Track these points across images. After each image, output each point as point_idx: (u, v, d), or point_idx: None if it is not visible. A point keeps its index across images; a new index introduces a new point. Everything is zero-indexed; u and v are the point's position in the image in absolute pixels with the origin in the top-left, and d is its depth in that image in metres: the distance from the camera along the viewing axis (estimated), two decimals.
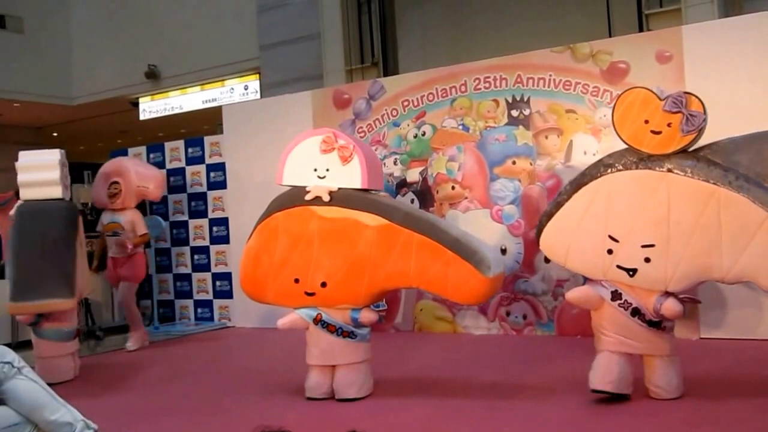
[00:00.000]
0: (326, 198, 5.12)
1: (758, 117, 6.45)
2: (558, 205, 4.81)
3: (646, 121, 4.52)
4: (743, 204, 4.28)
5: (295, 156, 5.33)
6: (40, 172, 6.64)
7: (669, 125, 4.45)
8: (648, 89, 4.63)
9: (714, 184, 4.36)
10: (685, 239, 4.42)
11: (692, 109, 4.43)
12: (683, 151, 4.49)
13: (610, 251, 4.61)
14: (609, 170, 4.66)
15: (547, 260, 6.86)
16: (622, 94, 4.75)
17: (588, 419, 4.53)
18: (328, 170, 5.23)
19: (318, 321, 5.17)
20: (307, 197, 5.15)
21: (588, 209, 4.69)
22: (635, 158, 4.59)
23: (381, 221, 5.08)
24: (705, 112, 4.43)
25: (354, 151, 5.22)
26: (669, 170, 4.47)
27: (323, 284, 5.12)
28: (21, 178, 6.58)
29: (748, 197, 4.27)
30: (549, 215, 4.85)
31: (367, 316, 5.19)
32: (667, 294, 4.54)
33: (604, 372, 4.71)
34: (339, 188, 5.17)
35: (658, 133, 4.49)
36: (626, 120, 4.62)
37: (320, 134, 5.38)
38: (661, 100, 4.51)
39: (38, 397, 2.92)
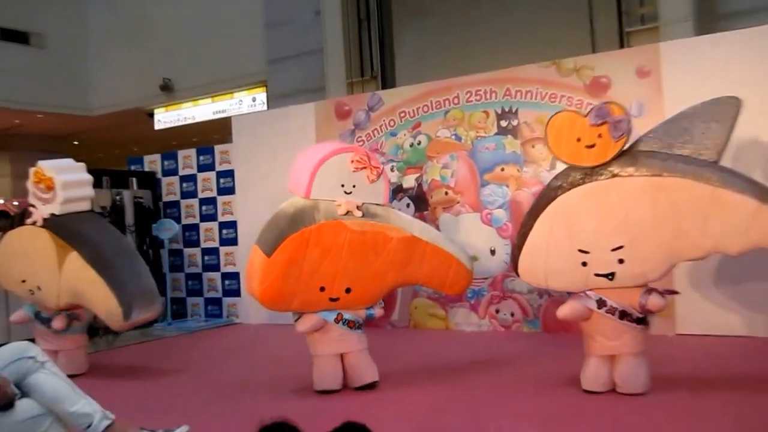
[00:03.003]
0: (358, 214, 5.18)
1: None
2: (523, 237, 4.83)
3: (579, 139, 4.58)
4: (689, 185, 4.31)
5: (324, 173, 5.25)
6: (80, 189, 6.49)
7: (600, 136, 4.50)
8: (571, 110, 4.76)
9: (658, 175, 4.40)
10: (649, 232, 4.45)
11: (616, 116, 4.46)
12: (621, 154, 4.53)
13: (584, 263, 4.62)
14: (560, 192, 4.69)
15: None
16: (548, 122, 4.79)
17: (575, 410, 4.52)
18: (354, 186, 5.30)
19: (339, 320, 5.24)
20: (339, 211, 5.15)
21: (551, 233, 4.71)
22: (580, 174, 4.63)
23: (404, 234, 5.28)
24: (628, 114, 4.48)
25: (383, 171, 5.44)
26: (614, 175, 4.52)
27: (348, 290, 5.21)
28: (66, 195, 6.27)
29: (691, 178, 4.30)
30: (519, 247, 4.88)
31: (380, 312, 5.48)
32: (650, 290, 4.57)
33: (595, 375, 4.77)
34: (363, 203, 5.26)
35: (592, 146, 4.53)
36: (561, 143, 4.69)
37: (347, 151, 5.42)
38: (584, 116, 4.57)
39: (59, 390, 2.90)
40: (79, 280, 6.02)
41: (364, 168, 5.33)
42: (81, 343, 6.65)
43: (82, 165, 6.66)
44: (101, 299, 5.90)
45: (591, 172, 4.59)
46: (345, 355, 5.33)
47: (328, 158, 5.30)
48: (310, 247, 5.08)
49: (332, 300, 5.18)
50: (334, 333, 5.26)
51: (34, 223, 6.28)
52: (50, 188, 6.25)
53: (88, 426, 2.90)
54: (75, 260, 6.05)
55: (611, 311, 4.61)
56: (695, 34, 7.48)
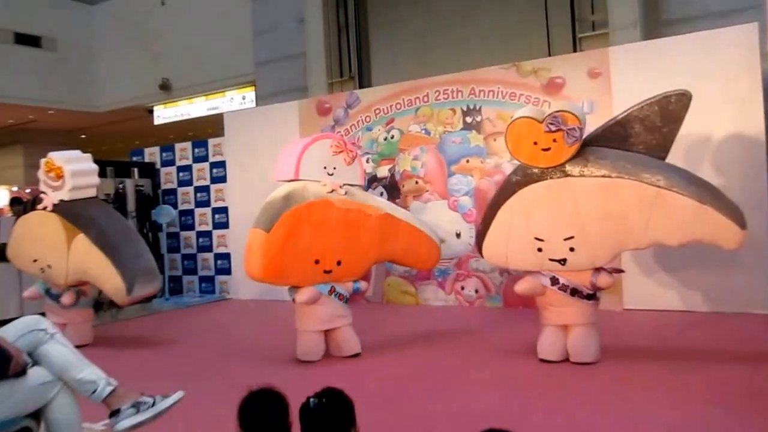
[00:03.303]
0: (341, 192, 5.26)
1: None
2: (487, 224, 4.85)
3: (535, 143, 4.53)
4: (635, 186, 4.26)
5: (308, 156, 5.27)
6: (87, 177, 6.40)
7: (554, 141, 4.45)
8: (528, 117, 4.62)
9: (608, 176, 4.35)
10: (597, 226, 4.42)
11: (569, 124, 4.41)
12: (574, 156, 4.49)
13: (539, 249, 4.61)
14: (518, 187, 4.68)
15: None
16: (508, 127, 4.73)
17: (532, 376, 4.49)
18: (335, 168, 5.35)
19: (332, 292, 5.22)
20: (326, 190, 5.20)
21: (511, 222, 4.71)
22: (538, 171, 4.60)
23: (379, 212, 5.41)
24: (581, 123, 4.42)
25: (357, 155, 5.55)
26: (567, 175, 4.49)
27: (338, 263, 5.22)
28: (74, 182, 6.17)
29: (638, 180, 4.24)
30: (483, 233, 4.87)
31: (365, 285, 5.65)
32: (599, 269, 4.55)
33: (550, 345, 4.74)
34: (344, 183, 5.34)
35: (548, 149, 4.49)
36: (520, 146, 4.64)
37: (327, 138, 5.53)
38: (540, 122, 4.50)
39: (67, 359, 2.85)
40: (86, 260, 5.94)
41: (342, 151, 5.43)
42: (87, 317, 6.61)
43: (88, 156, 6.58)
44: (107, 277, 5.84)
45: (546, 171, 4.54)
46: (334, 330, 5.32)
47: (311, 144, 5.36)
48: (303, 222, 5.06)
49: (326, 272, 5.19)
50: (323, 309, 5.22)
51: (44, 209, 6.20)
52: (60, 177, 6.18)
53: (93, 391, 2.84)
54: (82, 241, 5.96)
55: (563, 288, 4.59)
56: (641, 39, 7.42)
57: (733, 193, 6.10)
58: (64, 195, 6.16)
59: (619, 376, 4.32)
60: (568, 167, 4.46)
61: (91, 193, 6.42)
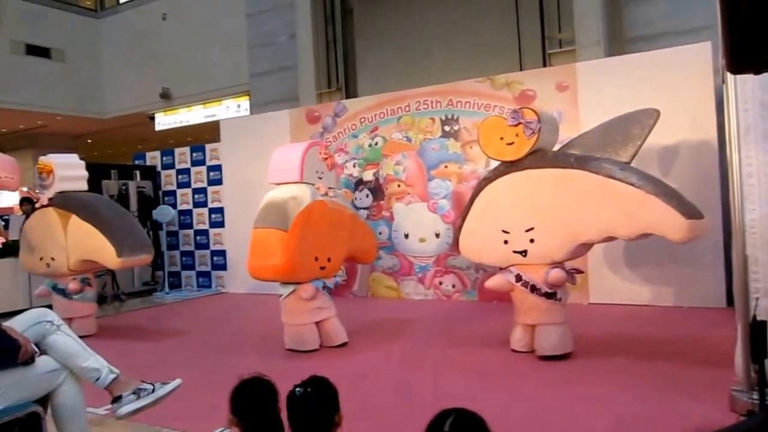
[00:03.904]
0: (332, 194, 5.40)
1: None
2: (463, 220, 4.86)
3: (501, 138, 4.58)
4: (584, 177, 4.24)
5: (308, 159, 5.31)
6: (74, 170, 6.49)
7: (517, 135, 4.50)
8: (497, 116, 4.79)
9: (560, 167, 4.36)
10: (552, 216, 4.41)
11: (527, 118, 4.47)
12: (538, 152, 4.53)
13: (505, 242, 4.60)
14: (487, 182, 4.73)
15: None
16: (480, 125, 4.79)
17: (503, 365, 4.49)
18: (323, 173, 5.43)
19: (324, 287, 5.26)
20: (320, 192, 5.25)
21: (483, 216, 4.73)
22: (504, 167, 4.65)
23: (351, 212, 5.66)
24: (539, 118, 4.46)
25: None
26: (527, 167, 4.51)
27: (329, 259, 5.25)
28: (62, 173, 6.31)
29: (586, 168, 4.23)
30: (459, 228, 4.89)
31: (342, 279, 5.93)
32: (554, 266, 4.49)
33: (520, 338, 4.77)
34: (329, 186, 5.45)
35: (512, 143, 4.53)
36: (489, 142, 4.68)
37: (315, 144, 5.53)
38: (505, 119, 4.59)
39: (72, 349, 2.83)
40: (80, 236, 6.01)
41: (327, 158, 5.51)
42: (91, 311, 6.59)
43: (74, 154, 6.77)
44: (99, 244, 5.87)
45: (511, 165, 4.58)
46: (323, 321, 5.32)
47: (309, 149, 5.37)
48: (309, 222, 5.07)
49: (322, 269, 5.20)
50: (314, 302, 5.21)
51: (41, 206, 6.31)
52: (50, 172, 6.27)
53: (97, 379, 2.83)
54: (75, 222, 6.07)
55: (525, 285, 4.56)
56: (605, 56, 7.44)
57: (689, 195, 6.18)
58: (56, 188, 6.25)
59: (580, 367, 4.33)
60: (527, 160, 4.49)
61: (81, 185, 6.48)
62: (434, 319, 6.44)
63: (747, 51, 2.43)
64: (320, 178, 5.35)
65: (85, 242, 5.97)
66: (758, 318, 2.89)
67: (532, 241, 4.47)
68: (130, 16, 15.17)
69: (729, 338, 3.60)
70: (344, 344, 5.32)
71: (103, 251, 5.84)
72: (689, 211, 3.87)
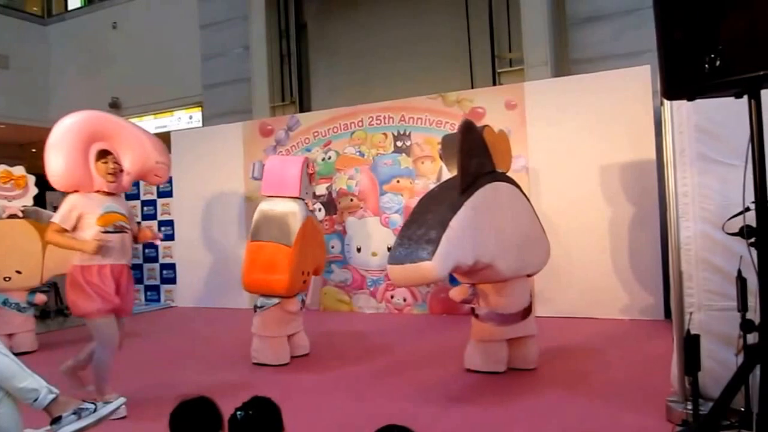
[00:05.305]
0: (316, 209, 5.61)
1: (580, 151, 6.60)
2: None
3: None
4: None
5: (303, 177, 5.36)
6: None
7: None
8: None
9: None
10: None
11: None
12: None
13: None
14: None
15: None
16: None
17: (454, 381, 4.48)
18: (308, 188, 5.52)
19: (302, 300, 5.31)
20: (310, 207, 5.42)
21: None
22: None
23: (317, 223, 5.79)
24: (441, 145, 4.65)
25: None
26: None
27: (309, 273, 5.34)
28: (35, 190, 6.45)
29: None
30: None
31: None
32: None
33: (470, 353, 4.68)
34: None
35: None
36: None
37: (306, 161, 5.54)
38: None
39: (8, 369, 2.71)
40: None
41: (312, 173, 5.60)
42: (31, 326, 6.36)
43: (19, 167, 6.63)
44: None
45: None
46: (294, 333, 5.39)
47: (304, 165, 5.42)
48: (305, 237, 5.15)
49: (303, 282, 5.27)
50: (294, 316, 5.27)
51: (11, 217, 6.23)
52: (22, 186, 6.31)
53: (35, 399, 2.73)
54: None
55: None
56: (552, 76, 7.62)
57: (629, 209, 6.39)
58: (28, 201, 6.30)
59: (521, 378, 4.40)
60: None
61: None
62: (387, 333, 6.44)
63: (681, 78, 2.56)
64: (307, 194, 5.47)
65: (68, 255, 6.03)
66: (692, 332, 3.00)
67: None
68: (79, 23, 14.83)
69: (667, 350, 3.72)
70: (306, 354, 5.40)
71: None
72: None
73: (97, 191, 3.94)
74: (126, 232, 3.98)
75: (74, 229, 3.81)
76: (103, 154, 3.96)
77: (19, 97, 14.65)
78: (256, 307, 5.20)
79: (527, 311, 4.55)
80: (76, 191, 3.91)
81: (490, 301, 4.39)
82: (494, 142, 4.38)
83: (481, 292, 4.42)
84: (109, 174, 3.94)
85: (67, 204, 3.83)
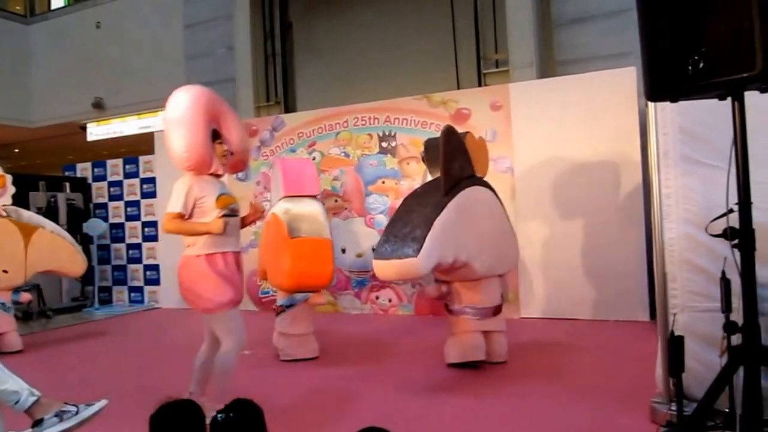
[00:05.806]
0: None
1: (565, 152, 6.62)
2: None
3: None
4: None
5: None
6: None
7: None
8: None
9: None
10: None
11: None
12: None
13: None
14: None
15: None
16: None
17: (441, 377, 4.50)
18: None
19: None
20: None
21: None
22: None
23: None
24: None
25: None
26: None
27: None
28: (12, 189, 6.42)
29: None
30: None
31: None
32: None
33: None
34: None
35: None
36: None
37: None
38: None
39: None
40: (50, 248, 6.33)
41: None
42: (14, 326, 6.32)
43: None
44: (69, 255, 6.44)
45: None
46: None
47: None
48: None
49: None
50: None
51: None
52: (1, 185, 6.25)
53: (16, 402, 2.68)
54: (42, 234, 6.31)
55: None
56: (537, 77, 7.64)
57: (614, 211, 6.42)
58: (7, 200, 6.29)
59: (506, 378, 4.43)
60: None
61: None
62: (372, 333, 6.43)
63: (665, 80, 2.56)
64: None
65: (51, 254, 6.31)
66: (675, 333, 3.01)
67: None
68: (62, 23, 14.66)
69: (652, 351, 3.73)
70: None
71: (71, 261, 6.43)
72: None
73: (211, 174, 3.63)
74: (238, 215, 3.71)
75: (190, 216, 3.52)
76: (216, 135, 3.68)
77: (2, 97, 14.49)
78: (282, 307, 5.27)
79: (498, 309, 4.75)
80: (194, 172, 3.57)
81: (463, 298, 4.62)
82: (474, 148, 4.65)
83: (455, 290, 4.65)
84: (224, 156, 3.69)
85: (183, 188, 3.51)
